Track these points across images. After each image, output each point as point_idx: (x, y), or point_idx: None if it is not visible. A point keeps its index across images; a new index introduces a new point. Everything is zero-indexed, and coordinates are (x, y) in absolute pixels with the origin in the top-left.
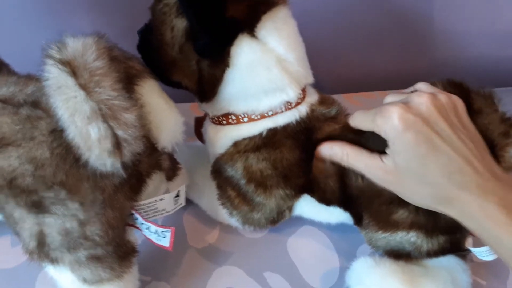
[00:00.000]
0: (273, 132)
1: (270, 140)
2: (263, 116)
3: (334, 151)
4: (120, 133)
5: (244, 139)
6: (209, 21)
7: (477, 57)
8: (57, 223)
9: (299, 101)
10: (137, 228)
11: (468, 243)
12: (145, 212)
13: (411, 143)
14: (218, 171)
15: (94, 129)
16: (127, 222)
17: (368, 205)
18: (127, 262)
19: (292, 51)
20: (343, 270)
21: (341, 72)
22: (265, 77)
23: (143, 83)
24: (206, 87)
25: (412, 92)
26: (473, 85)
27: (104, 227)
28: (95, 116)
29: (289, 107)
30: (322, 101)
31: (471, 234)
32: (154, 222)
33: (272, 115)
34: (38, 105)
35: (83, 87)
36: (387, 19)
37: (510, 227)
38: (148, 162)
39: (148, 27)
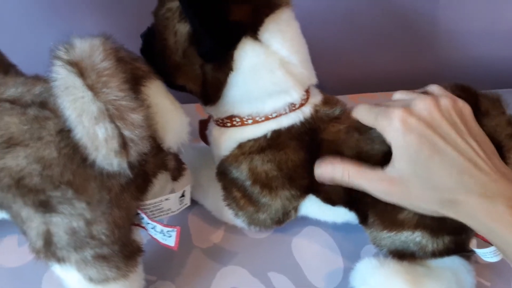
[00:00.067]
0: (277, 134)
1: (274, 142)
2: (267, 118)
3: (335, 171)
4: (127, 133)
5: (249, 140)
6: (212, 25)
7: (480, 57)
8: (64, 222)
9: (303, 102)
10: (143, 227)
11: (473, 244)
12: (150, 211)
13: (414, 146)
14: (223, 173)
15: (101, 129)
16: (133, 221)
17: (374, 205)
18: (132, 261)
19: (296, 53)
20: (347, 270)
21: (344, 73)
22: (269, 80)
23: (149, 84)
24: (210, 90)
25: (422, 92)
26: (477, 86)
27: (111, 227)
28: (102, 116)
29: (293, 108)
30: (325, 102)
31: (476, 235)
32: (160, 222)
33: (276, 116)
34: (45, 106)
35: (91, 87)
36: (389, 20)
37: None
38: (154, 162)
39: (150, 31)
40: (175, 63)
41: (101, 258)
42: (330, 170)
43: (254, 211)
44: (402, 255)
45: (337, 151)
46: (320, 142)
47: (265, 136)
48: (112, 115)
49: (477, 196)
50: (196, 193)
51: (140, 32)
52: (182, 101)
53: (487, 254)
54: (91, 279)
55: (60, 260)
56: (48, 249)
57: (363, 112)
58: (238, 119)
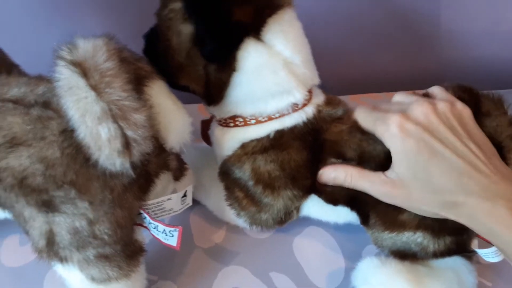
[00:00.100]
0: (280, 134)
1: (277, 142)
2: (270, 118)
3: (337, 174)
4: (129, 133)
5: (252, 141)
6: (215, 26)
7: (481, 57)
8: (66, 222)
9: (306, 102)
10: (145, 227)
11: (474, 244)
12: (153, 211)
13: (412, 150)
14: (225, 173)
15: (104, 129)
16: (135, 221)
17: (375, 205)
18: (134, 261)
19: (298, 53)
20: (349, 270)
21: (345, 73)
22: (272, 81)
23: (152, 84)
24: (213, 91)
25: (423, 94)
26: (478, 87)
27: (113, 226)
28: (106, 116)
29: (296, 108)
30: (328, 102)
31: (477, 235)
32: (162, 222)
33: (279, 117)
34: (49, 106)
35: (94, 88)
36: (390, 20)
37: None
38: (156, 162)
39: (153, 32)
40: (178, 64)
41: (103, 257)
42: (334, 171)
43: (256, 211)
44: (403, 255)
45: (340, 152)
46: (323, 142)
47: (268, 136)
48: (115, 115)
49: (477, 197)
50: (198, 193)
51: (143, 32)
52: (184, 101)
53: (488, 255)
54: (93, 279)
55: (62, 259)
56: (51, 248)
57: (362, 116)
58: (241, 119)
